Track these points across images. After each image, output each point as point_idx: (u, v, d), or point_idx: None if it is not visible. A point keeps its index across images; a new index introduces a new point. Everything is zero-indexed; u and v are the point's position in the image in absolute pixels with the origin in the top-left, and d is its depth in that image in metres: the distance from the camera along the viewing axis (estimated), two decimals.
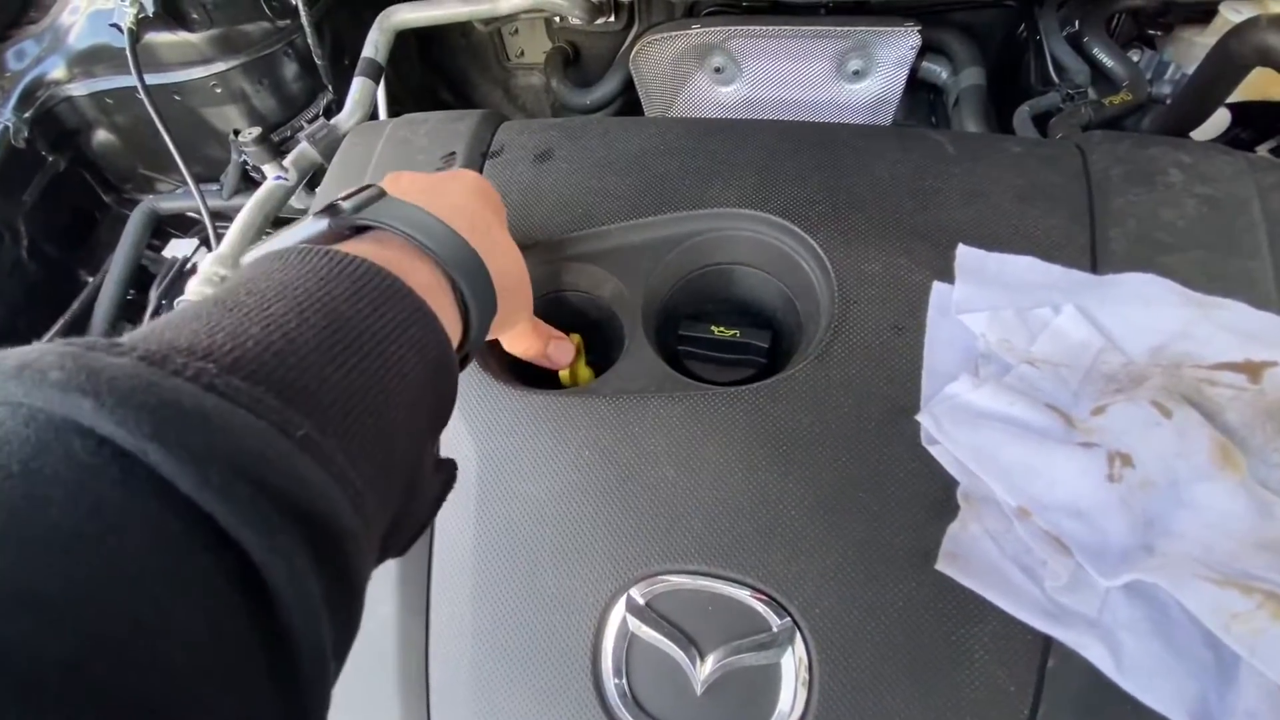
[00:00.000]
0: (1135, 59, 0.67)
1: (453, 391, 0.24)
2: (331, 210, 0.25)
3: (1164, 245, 0.37)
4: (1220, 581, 0.26)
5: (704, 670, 0.32)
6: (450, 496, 0.37)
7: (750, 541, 0.33)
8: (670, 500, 0.35)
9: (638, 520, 0.35)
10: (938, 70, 0.75)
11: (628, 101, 0.82)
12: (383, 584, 0.36)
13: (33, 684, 0.10)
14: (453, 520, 0.37)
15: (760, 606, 0.32)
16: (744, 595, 0.32)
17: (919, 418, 0.34)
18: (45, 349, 0.15)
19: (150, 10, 0.56)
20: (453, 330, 0.25)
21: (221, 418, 0.14)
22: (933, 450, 0.33)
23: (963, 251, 0.38)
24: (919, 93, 0.83)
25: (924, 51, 0.75)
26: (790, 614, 0.32)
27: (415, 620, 0.35)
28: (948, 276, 0.38)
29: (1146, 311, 0.35)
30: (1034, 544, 0.31)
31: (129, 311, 0.66)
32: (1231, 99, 0.59)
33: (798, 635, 0.31)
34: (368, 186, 0.27)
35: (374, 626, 0.35)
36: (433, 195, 0.28)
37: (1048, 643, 0.30)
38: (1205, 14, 0.60)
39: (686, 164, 0.45)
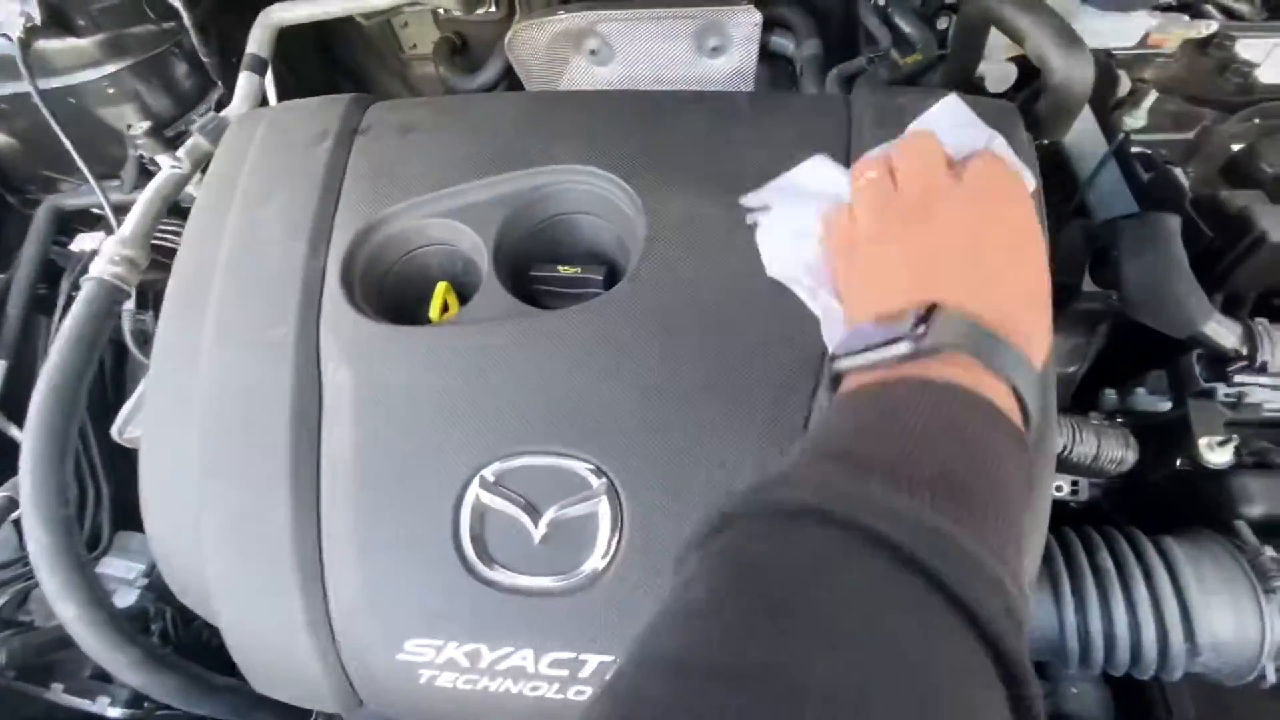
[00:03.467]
0: (944, 25, 0.78)
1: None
2: (915, 340, 0.28)
3: None
4: None
5: (540, 525, 0.40)
6: (333, 415, 0.45)
7: (577, 426, 0.42)
8: (514, 400, 0.43)
9: (490, 417, 0.43)
10: (785, 44, 0.85)
11: (513, 85, 0.89)
12: (275, 490, 0.43)
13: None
14: (335, 432, 0.44)
15: (583, 471, 0.41)
16: (570, 464, 0.41)
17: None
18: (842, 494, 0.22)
19: (38, 19, 0.61)
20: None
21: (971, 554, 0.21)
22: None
23: (744, 200, 0.46)
24: (779, 64, 0.92)
25: (772, 27, 0.84)
26: (606, 474, 0.40)
27: (307, 518, 0.43)
28: (732, 209, 0.47)
29: None
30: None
31: (41, 305, 0.70)
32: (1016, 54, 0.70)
33: (612, 490, 0.40)
34: (928, 306, 0.29)
35: (272, 526, 0.42)
36: (971, 252, 0.31)
37: None
38: None
39: (530, 129, 0.52)
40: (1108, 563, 0.46)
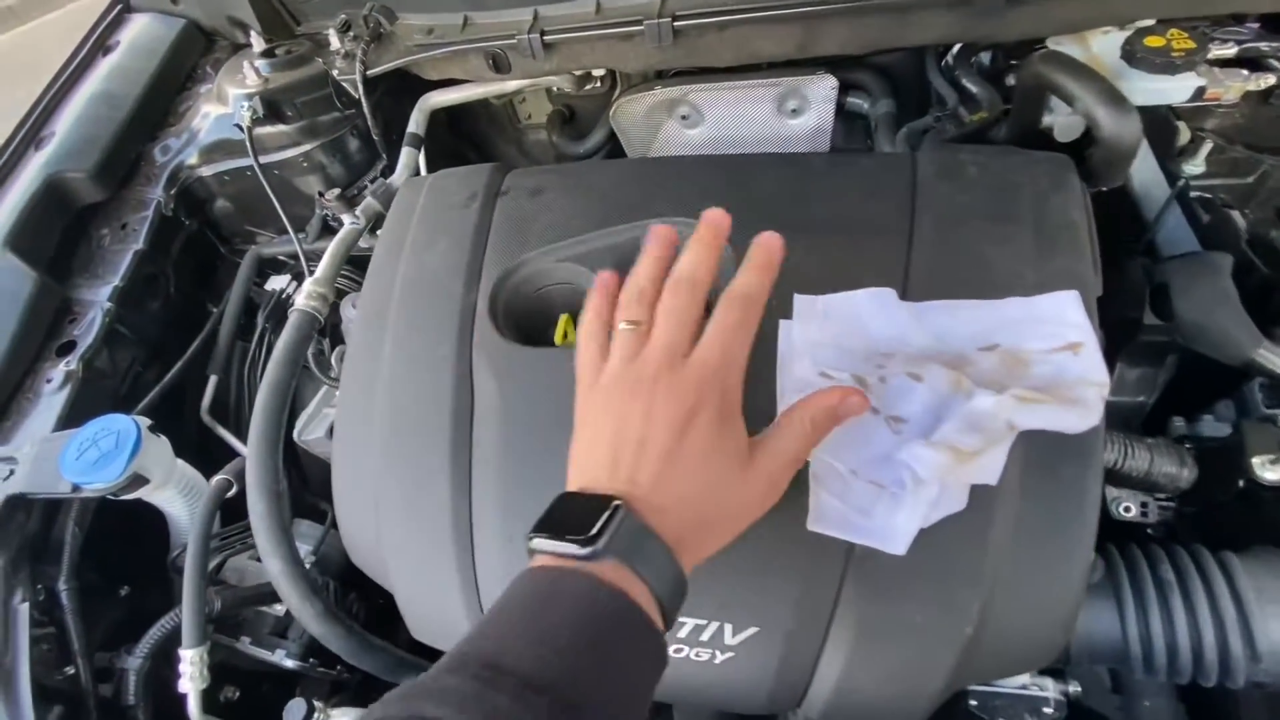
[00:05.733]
0: (1011, 83, 0.84)
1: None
2: (590, 544, 0.32)
3: (956, 220, 0.54)
4: (928, 445, 0.42)
5: None
6: (482, 416, 0.55)
7: None
8: None
9: None
10: (860, 103, 0.93)
11: (615, 148, 1.02)
12: (437, 477, 0.54)
13: None
14: (483, 430, 0.55)
15: None
16: None
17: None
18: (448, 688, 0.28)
19: (261, 112, 0.79)
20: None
21: None
22: None
23: (798, 299, 0.51)
24: (855, 121, 1.01)
25: (848, 88, 0.92)
26: None
27: (461, 498, 0.53)
28: (810, 253, 0.55)
29: (923, 322, 0.50)
30: (862, 492, 0.44)
31: (242, 333, 0.88)
32: None
33: None
34: (613, 506, 0.34)
35: (435, 503, 0.53)
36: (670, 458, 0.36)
37: None
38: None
39: (638, 189, 0.63)
40: (1169, 574, 0.49)
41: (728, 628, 0.46)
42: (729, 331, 0.40)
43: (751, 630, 0.45)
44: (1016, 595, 0.43)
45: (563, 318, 0.62)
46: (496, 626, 0.32)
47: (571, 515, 0.35)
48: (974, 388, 0.43)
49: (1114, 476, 0.52)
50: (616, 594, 0.32)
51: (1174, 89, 0.59)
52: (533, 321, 0.63)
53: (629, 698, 0.31)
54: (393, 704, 0.29)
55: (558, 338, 0.61)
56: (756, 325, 0.41)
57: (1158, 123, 0.65)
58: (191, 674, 0.56)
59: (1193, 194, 0.61)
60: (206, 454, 0.79)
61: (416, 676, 0.59)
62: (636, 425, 0.37)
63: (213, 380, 0.82)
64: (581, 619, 0.30)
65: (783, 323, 0.52)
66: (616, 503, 0.35)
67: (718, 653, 0.46)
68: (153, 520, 0.75)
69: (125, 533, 0.72)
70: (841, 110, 0.92)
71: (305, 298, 0.68)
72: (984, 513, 0.44)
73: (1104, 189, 0.61)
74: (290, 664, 0.67)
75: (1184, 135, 0.63)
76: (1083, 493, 0.43)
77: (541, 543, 0.35)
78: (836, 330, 0.51)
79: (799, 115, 0.93)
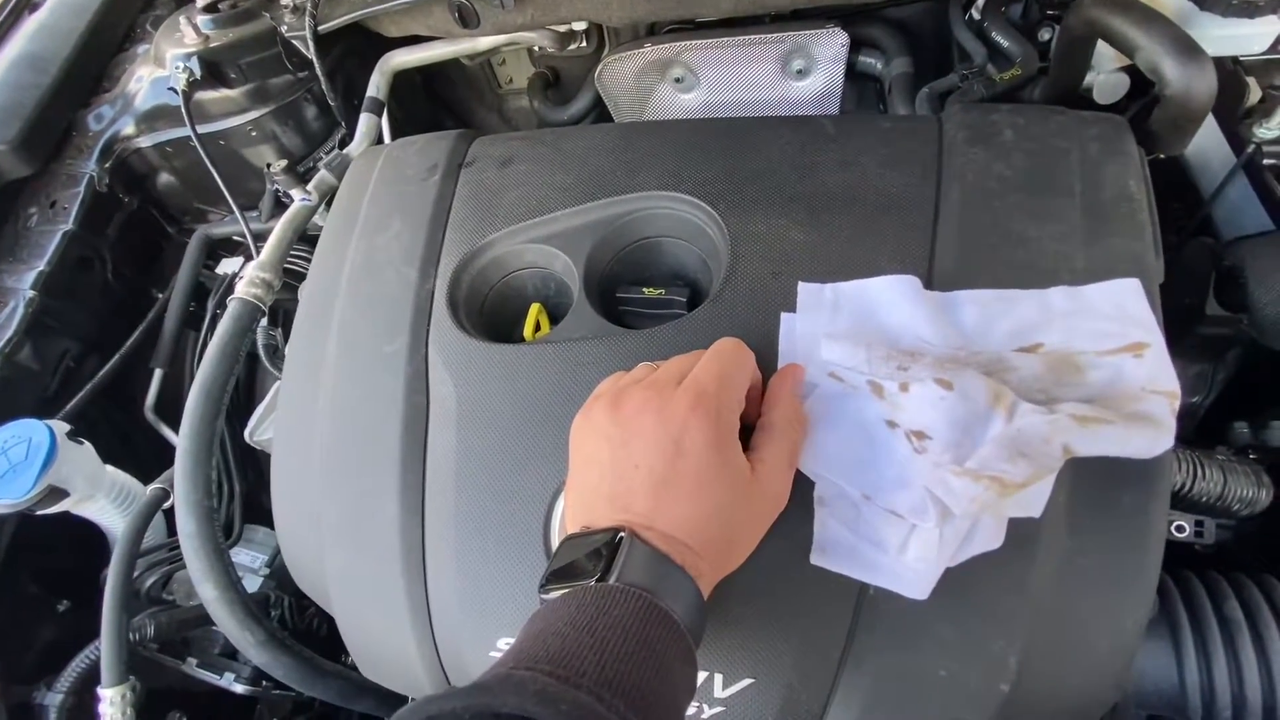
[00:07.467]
0: (1047, 37, 0.75)
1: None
2: (603, 581, 0.32)
3: (991, 192, 0.46)
4: (961, 473, 0.34)
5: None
6: (438, 424, 0.48)
7: None
8: None
9: None
10: (873, 63, 0.84)
11: (602, 115, 0.93)
12: (386, 493, 0.47)
13: None
14: (440, 440, 0.47)
15: None
16: None
17: None
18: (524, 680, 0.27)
19: (198, 74, 0.70)
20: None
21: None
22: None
23: (802, 287, 0.45)
24: (866, 84, 0.91)
25: (860, 46, 0.83)
26: None
27: (413, 518, 0.46)
28: (817, 231, 0.47)
29: (951, 315, 0.42)
30: (876, 521, 0.38)
31: (191, 321, 0.80)
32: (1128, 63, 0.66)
33: None
34: (618, 539, 0.33)
35: (382, 523, 0.46)
36: (667, 479, 0.34)
37: None
38: None
39: (619, 158, 0.55)
40: (1237, 613, 0.42)
41: (718, 678, 0.39)
42: (723, 357, 0.39)
43: (745, 682, 0.39)
44: (1062, 647, 0.36)
45: (533, 308, 0.54)
46: (549, 635, 0.30)
47: (579, 557, 0.34)
48: (1017, 401, 0.36)
49: (1180, 501, 0.44)
50: (661, 608, 0.31)
51: (1252, 36, 0.50)
52: (498, 312, 0.55)
53: (679, 710, 0.31)
54: (451, 699, 0.26)
55: (527, 331, 0.53)
56: (753, 362, 0.40)
57: (1221, 78, 0.56)
58: (112, 715, 0.50)
59: (1265, 161, 0.52)
60: (161, 455, 0.72)
61: (376, 702, 0.55)
62: (631, 452, 0.36)
63: (158, 374, 0.75)
64: (634, 630, 0.30)
65: (785, 315, 0.45)
66: (621, 535, 0.34)
67: (705, 707, 0.39)
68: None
69: (69, 538, 0.66)
70: (851, 71, 0.83)
71: (246, 285, 0.61)
72: (1024, 550, 0.37)
73: (1161, 156, 0.52)
74: (240, 689, 0.61)
75: (1253, 93, 0.54)
76: (1144, 526, 0.36)
77: (555, 593, 0.34)
78: (848, 324, 0.43)
79: (805, 76, 0.84)
